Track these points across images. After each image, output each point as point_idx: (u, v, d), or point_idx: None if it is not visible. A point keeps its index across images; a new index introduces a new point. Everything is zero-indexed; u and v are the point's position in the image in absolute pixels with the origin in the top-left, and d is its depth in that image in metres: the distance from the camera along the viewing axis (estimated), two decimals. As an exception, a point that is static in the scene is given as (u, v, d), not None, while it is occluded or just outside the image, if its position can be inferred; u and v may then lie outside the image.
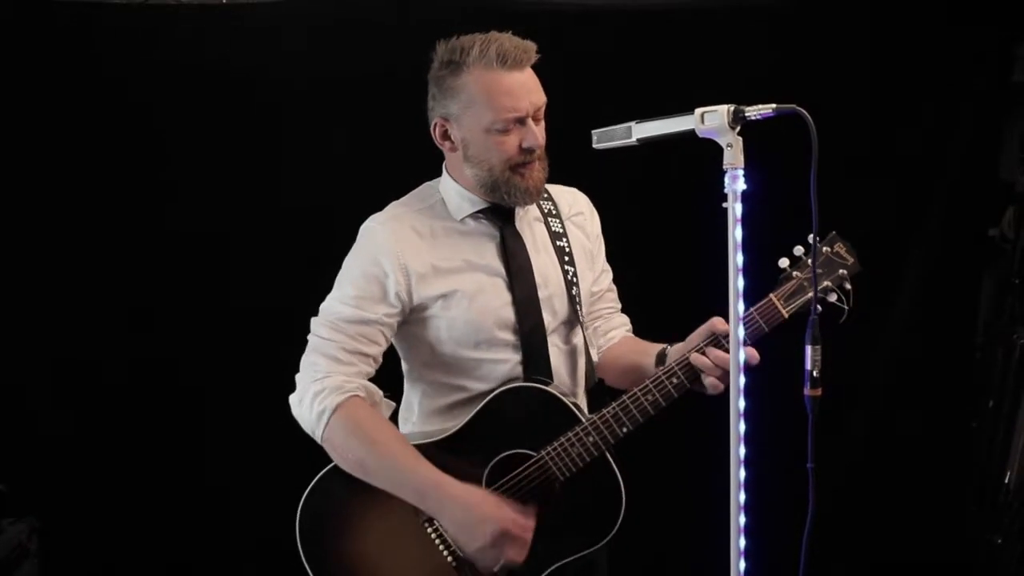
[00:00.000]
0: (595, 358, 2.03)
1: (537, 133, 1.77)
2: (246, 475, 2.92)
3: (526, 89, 1.74)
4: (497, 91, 1.72)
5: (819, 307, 1.75)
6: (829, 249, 1.82)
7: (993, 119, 2.92)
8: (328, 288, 1.87)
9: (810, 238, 1.75)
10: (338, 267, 1.88)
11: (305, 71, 2.85)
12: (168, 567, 3.03)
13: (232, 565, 2.98)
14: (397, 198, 1.94)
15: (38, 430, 2.95)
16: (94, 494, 2.98)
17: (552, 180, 1.98)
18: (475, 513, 1.72)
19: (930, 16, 2.80)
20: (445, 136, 1.82)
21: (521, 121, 1.75)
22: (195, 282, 2.91)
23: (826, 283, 1.80)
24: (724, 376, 1.74)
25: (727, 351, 1.74)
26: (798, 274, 1.80)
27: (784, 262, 1.80)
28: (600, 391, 1.97)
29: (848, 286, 1.81)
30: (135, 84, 2.85)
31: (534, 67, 1.77)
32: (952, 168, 2.88)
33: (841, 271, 1.81)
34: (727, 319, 1.70)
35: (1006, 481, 2.91)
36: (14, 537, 2.78)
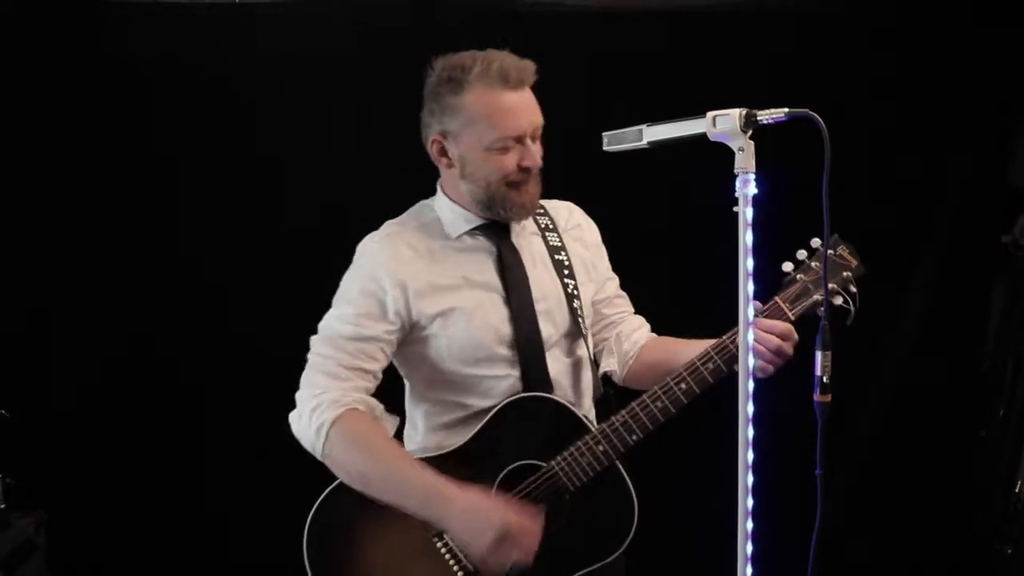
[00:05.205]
0: (614, 367, 2.01)
1: (535, 153, 1.77)
2: (249, 470, 2.93)
3: (527, 109, 1.75)
4: (499, 110, 1.72)
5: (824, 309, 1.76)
6: (832, 252, 1.81)
7: (1005, 124, 2.90)
8: (331, 286, 1.87)
9: (815, 242, 1.79)
10: (340, 271, 1.88)
11: (311, 73, 2.85)
12: (173, 560, 3.04)
13: (236, 557, 2.99)
14: (404, 201, 1.94)
15: (45, 424, 2.96)
16: (101, 488, 2.99)
17: (561, 183, 1.98)
18: (480, 516, 1.68)
19: (946, 18, 2.79)
20: (443, 153, 1.81)
21: (520, 140, 1.75)
22: (199, 282, 2.92)
23: (831, 286, 1.79)
24: (774, 354, 1.73)
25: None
26: (802, 277, 1.81)
27: (788, 266, 1.82)
28: (608, 401, 1.95)
29: (853, 288, 1.80)
30: (144, 82, 2.86)
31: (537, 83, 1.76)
32: (964, 173, 2.86)
33: (845, 273, 1.81)
34: (734, 323, 1.72)
35: (1016, 490, 2.89)
36: (21, 531, 2.79)
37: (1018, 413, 2.95)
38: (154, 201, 2.91)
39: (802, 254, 1.80)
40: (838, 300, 1.80)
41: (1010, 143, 2.94)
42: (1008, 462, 2.95)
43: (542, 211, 1.97)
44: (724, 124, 1.39)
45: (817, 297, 1.79)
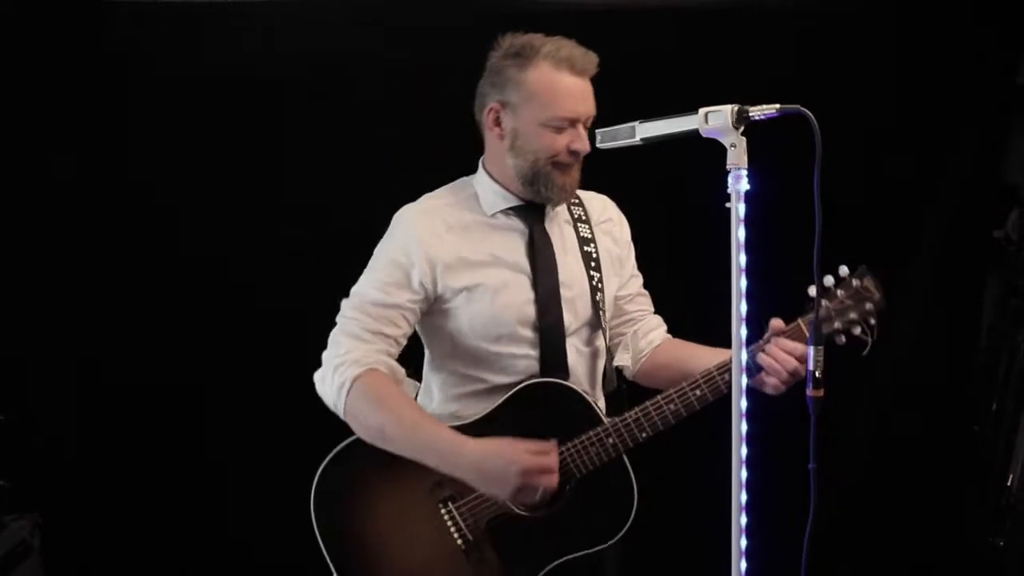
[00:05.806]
0: (627, 362, 2.06)
1: (585, 139, 1.82)
2: (246, 470, 2.93)
3: (585, 96, 1.81)
4: (561, 90, 1.79)
5: (843, 337, 1.81)
6: (859, 283, 1.84)
7: (998, 121, 2.91)
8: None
9: (843, 270, 1.82)
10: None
11: (310, 71, 2.84)
12: (169, 562, 3.04)
13: (232, 558, 2.99)
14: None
15: (40, 426, 2.96)
16: (96, 490, 2.98)
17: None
18: (498, 462, 1.74)
19: (936, 17, 2.79)
20: (496, 123, 1.86)
21: (574, 124, 1.80)
22: (197, 279, 2.91)
23: (852, 316, 1.82)
24: (790, 375, 1.76)
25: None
26: (826, 303, 1.82)
27: (813, 290, 1.78)
28: (619, 395, 1.98)
29: (873, 321, 1.83)
30: (143, 82, 2.85)
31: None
32: (957, 169, 2.87)
33: (868, 305, 1.83)
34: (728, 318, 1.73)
35: (1008, 484, 2.91)
36: (17, 533, 2.79)
37: (1011, 408, 2.96)
38: (154, 201, 2.90)
39: (829, 280, 1.82)
40: (857, 330, 1.83)
41: (1004, 141, 2.96)
42: (1001, 456, 2.96)
43: (577, 201, 2.01)
44: (716, 120, 1.39)
45: (838, 324, 1.81)
